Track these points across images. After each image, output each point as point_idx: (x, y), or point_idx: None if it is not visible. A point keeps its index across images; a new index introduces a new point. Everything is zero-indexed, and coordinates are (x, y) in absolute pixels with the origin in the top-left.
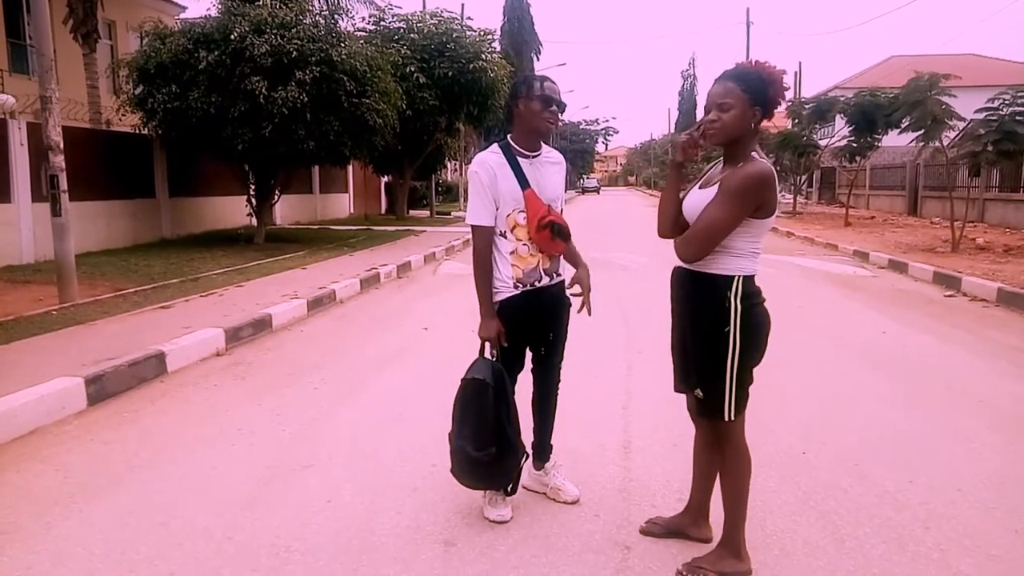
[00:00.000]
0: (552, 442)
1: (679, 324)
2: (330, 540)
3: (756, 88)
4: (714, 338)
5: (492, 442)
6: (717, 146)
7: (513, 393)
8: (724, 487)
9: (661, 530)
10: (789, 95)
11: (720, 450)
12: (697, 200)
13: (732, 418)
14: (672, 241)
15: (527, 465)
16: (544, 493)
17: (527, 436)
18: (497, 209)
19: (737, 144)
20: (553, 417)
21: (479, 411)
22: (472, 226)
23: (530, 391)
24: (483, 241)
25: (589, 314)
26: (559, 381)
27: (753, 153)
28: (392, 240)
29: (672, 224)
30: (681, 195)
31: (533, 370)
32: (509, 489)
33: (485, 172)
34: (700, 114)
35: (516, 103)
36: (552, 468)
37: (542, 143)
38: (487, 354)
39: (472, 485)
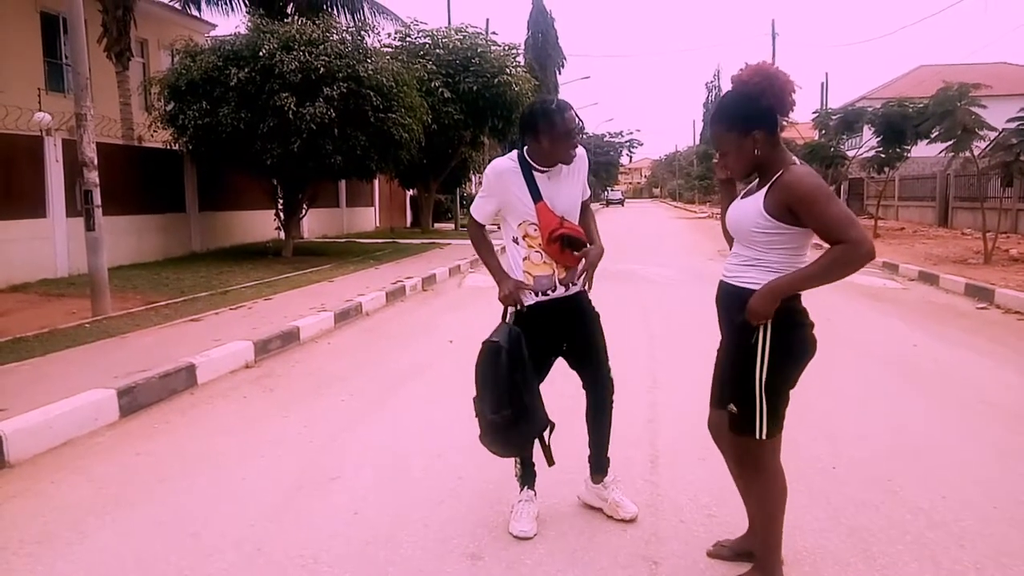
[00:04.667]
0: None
1: (722, 338)
2: (357, 552)
3: (744, 117)
4: (743, 352)
5: (507, 404)
6: (742, 180)
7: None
8: (757, 510)
9: (730, 552)
10: (815, 105)
11: (752, 473)
12: (739, 211)
13: (764, 437)
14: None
15: (585, 479)
16: (601, 508)
17: (576, 447)
18: (507, 215)
19: (762, 165)
20: (608, 429)
21: (494, 373)
22: (469, 214)
23: (556, 399)
24: (475, 230)
25: (589, 288)
26: (612, 391)
27: (795, 159)
28: (417, 253)
29: None
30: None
31: (583, 385)
32: (547, 461)
33: (496, 176)
34: None
35: (538, 136)
36: (611, 483)
37: None
38: (508, 319)
39: (494, 451)
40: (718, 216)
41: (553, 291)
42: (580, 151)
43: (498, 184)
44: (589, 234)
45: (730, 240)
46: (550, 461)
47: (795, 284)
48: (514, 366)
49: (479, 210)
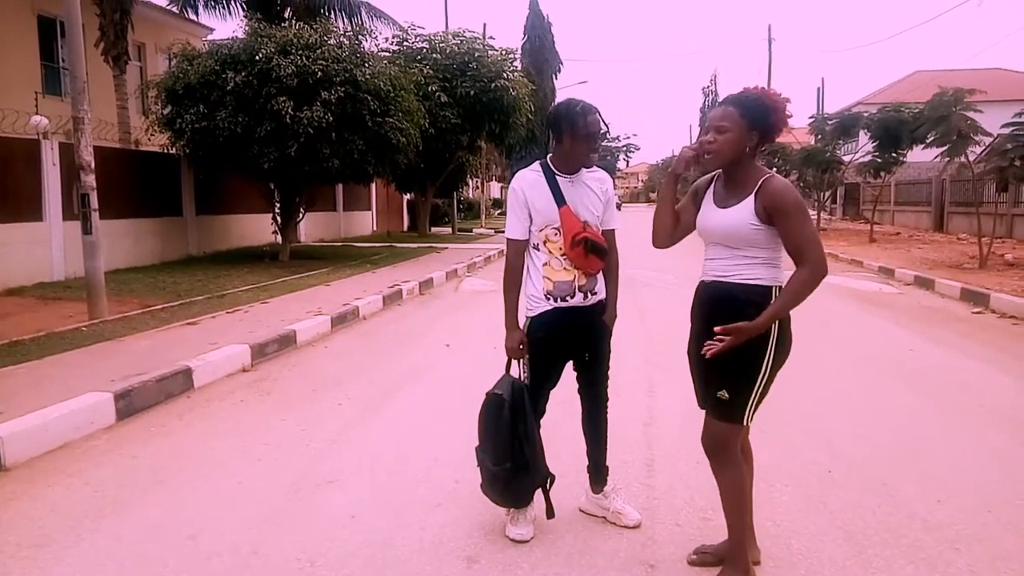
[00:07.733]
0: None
1: (704, 338)
2: (354, 555)
3: (755, 113)
4: (754, 346)
5: (508, 457)
6: (715, 167)
7: (540, 411)
8: (729, 496)
9: (713, 559)
10: (803, 120)
11: (723, 462)
12: (723, 219)
13: (749, 422)
14: (662, 250)
15: (586, 489)
16: (604, 517)
17: (576, 458)
18: (531, 223)
19: (737, 165)
20: (605, 438)
21: (496, 426)
22: (506, 239)
23: (558, 413)
24: (514, 253)
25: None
26: (607, 400)
27: (769, 169)
28: (414, 257)
29: (669, 234)
30: (677, 207)
31: (579, 391)
32: (547, 512)
33: (521, 187)
34: None
35: (560, 137)
36: (612, 491)
37: None
38: (514, 369)
39: (495, 500)
40: None
41: (572, 298)
42: (604, 175)
43: (523, 191)
44: (608, 291)
45: (663, 236)
46: (550, 513)
47: (783, 309)
48: (516, 419)
49: (514, 228)
